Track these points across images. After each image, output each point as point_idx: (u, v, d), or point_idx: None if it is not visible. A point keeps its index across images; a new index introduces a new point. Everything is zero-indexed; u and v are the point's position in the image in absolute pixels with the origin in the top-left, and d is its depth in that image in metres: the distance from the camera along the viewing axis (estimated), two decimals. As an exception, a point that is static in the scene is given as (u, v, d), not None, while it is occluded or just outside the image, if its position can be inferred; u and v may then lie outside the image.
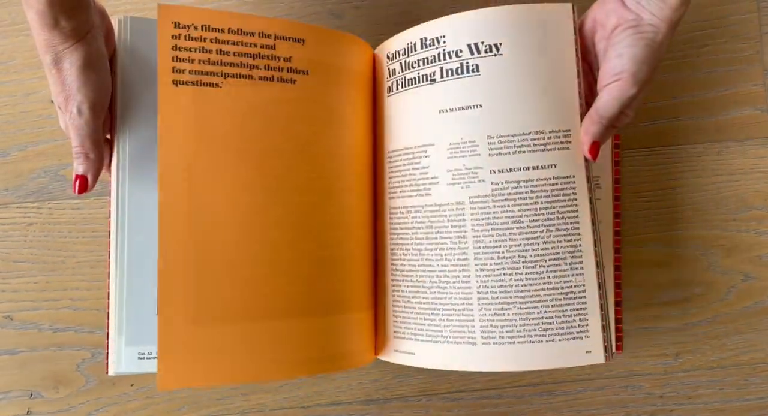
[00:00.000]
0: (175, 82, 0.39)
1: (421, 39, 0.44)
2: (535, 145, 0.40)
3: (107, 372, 0.41)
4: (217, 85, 0.40)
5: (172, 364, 0.38)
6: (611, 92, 0.39)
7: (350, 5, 0.54)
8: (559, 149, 0.40)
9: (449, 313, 0.42)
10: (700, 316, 0.52)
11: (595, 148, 0.40)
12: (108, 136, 0.42)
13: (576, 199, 0.40)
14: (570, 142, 0.41)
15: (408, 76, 0.44)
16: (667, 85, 0.53)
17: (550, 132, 0.41)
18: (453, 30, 0.42)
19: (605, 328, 0.40)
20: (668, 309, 0.52)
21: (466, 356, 0.41)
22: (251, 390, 0.52)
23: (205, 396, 0.52)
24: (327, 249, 0.43)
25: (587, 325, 0.40)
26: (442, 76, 0.43)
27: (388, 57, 0.46)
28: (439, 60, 0.43)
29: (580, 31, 0.42)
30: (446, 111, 0.42)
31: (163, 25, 0.39)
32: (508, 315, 0.40)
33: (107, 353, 0.41)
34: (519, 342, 0.40)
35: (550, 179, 0.40)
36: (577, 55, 0.41)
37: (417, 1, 0.54)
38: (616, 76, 0.39)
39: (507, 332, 0.40)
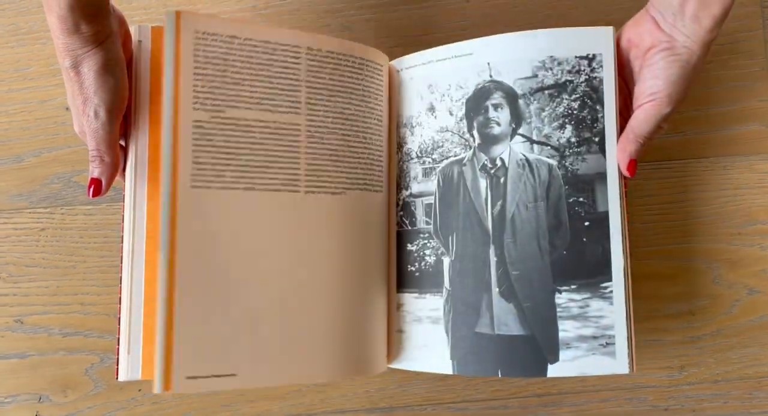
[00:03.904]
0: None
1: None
2: None
3: (117, 378, 0.41)
4: None
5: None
6: (646, 112, 0.41)
7: (361, 18, 0.55)
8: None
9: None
10: (705, 329, 0.53)
11: (632, 165, 0.42)
12: (123, 143, 0.42)
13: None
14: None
15: None
16: (674, 100, 0.54)
17: None
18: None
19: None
20: (673, 322, 0.53)
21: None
22: (257, 397, 0.53)
23: (212, 402, 0.52)
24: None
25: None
26: None
27: None
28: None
29: (616, 49, 0.43)
30: None
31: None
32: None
33: (117, 358, 0.41)
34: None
35: None
36: (615, 73, 0.42)
37: (427, 15, 0.54)
38: (651, 97, 0.40)
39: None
